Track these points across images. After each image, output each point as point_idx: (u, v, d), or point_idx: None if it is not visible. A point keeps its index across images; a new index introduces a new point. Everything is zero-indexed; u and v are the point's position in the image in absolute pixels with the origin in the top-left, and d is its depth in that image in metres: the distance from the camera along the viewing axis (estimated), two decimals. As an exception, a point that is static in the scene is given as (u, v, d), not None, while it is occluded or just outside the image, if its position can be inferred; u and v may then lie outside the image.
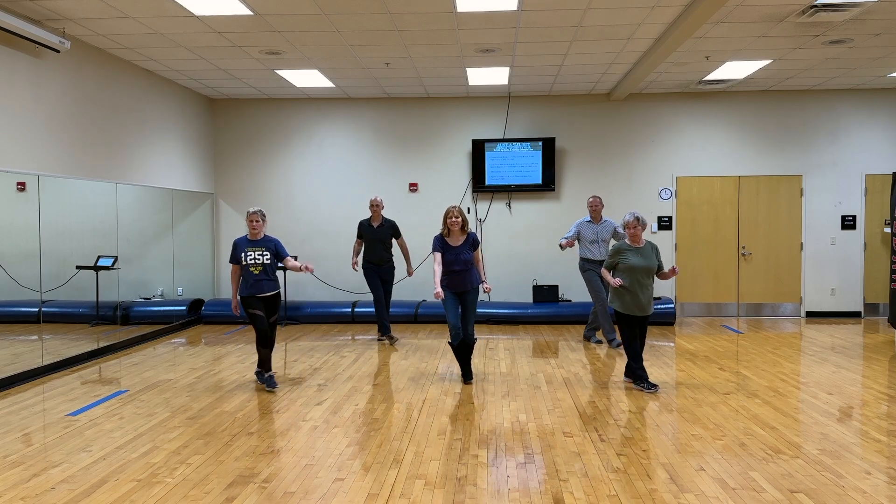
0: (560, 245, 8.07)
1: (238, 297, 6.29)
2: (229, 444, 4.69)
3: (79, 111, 7.52)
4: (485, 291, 6.46)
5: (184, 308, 9.81)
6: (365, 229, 8.51)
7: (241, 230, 10.86)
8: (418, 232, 10.69)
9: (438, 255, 6.32)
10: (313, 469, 4.22)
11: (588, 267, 8.20)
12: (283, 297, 10.13)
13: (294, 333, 9.25)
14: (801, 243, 10.52)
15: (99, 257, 8.06)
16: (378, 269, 8.46)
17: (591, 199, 8.18)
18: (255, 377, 6.65)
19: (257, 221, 6.21)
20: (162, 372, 6.95)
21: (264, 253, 6.21)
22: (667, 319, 9.74)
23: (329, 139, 10.80)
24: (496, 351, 7.96)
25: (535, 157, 10.44)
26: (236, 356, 7.72)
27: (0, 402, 5.83)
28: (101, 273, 8.06)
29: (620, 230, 8.08)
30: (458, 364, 6.86)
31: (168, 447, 4.63)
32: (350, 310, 10.06)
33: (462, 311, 6.40)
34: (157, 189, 9.21)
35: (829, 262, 10.51)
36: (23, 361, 6.71)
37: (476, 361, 7.35)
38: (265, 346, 6.29)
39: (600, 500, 3.71)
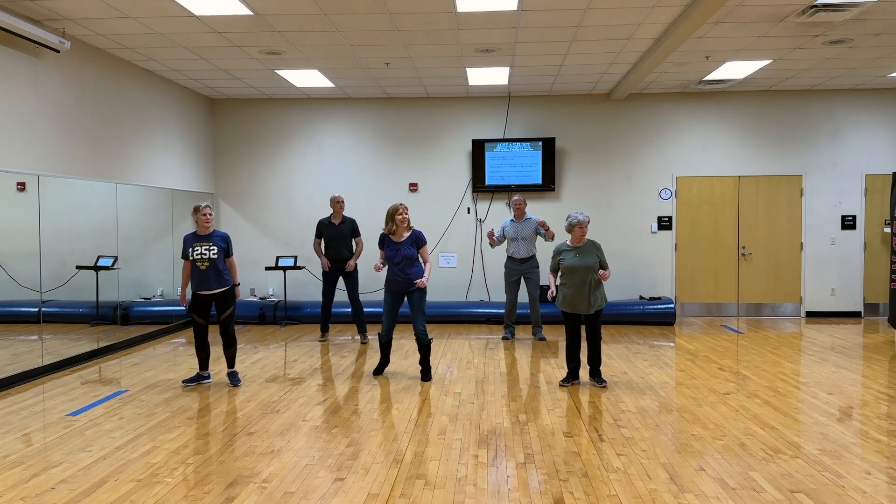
0: (489, 241, 8.46)
1: (188, 293, 6.28)
2: (229, 444, 4.69)
3: (79, 111, 7.52)
4: (417, 286, 6.40)
5: (184, 308, 9.79)
6: (325, 227, 8.52)
7: (242, 230, 10.86)
8: (418, 232, 10.68)
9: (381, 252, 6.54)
10: (313, 469, 4.22)
11: (508, 265, 8.54)
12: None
13: (294, 333, 9.25)
14: (801, 243, 10.52)
15: (99, 257, 8.05)
16: (339, 268, 8.47)
17: (514, 199, 8.50)
18: (243, 378, 6.66)
19: (210, 215, 6.20)
20: (162, 372, 6.95)
21: (212, 248, 6.18)
22: (667, 319, 9.74)
23: (329, 139, 10.80)
24: (496, 351, 7.96)
25: (535, 157, 10.43)
26: (236, 356, 7.70)
27: (0, 402, 5.83)
28: (101, 273, 8.05)
29: (541, 228, 8.35)
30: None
31: (168, 447, 4.63)
32: (350, 310, 10.04)
33: (410, 310, 6.44)
34: (157, 189, 9.21)
35: (829, 262, 10.51)
36: (23, 361, 6.71)
37: (476, 361, 7.35)
38: (202, 350, 6.34)
39: (600, 500, 3.71)
